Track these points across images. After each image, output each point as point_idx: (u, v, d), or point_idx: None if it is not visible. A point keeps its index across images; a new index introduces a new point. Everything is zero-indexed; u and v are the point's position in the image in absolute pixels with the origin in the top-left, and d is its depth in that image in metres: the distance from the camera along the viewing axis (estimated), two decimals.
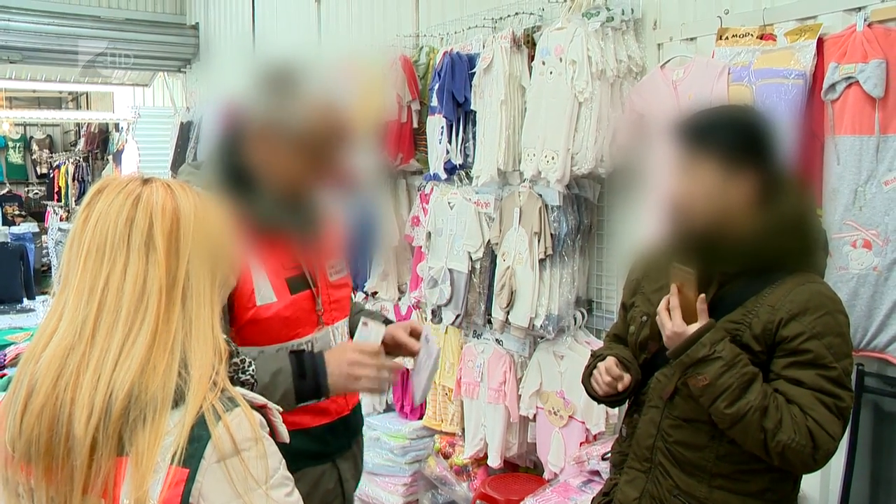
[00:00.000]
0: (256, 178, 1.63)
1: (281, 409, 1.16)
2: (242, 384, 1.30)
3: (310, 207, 1.73)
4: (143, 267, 1.07)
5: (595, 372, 1.73)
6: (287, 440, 1.15)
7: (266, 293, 1.61)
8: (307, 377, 1.57)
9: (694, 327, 1.54)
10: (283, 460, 1.11)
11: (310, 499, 1.68)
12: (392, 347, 1.74)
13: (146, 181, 1.13)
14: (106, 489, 1.01)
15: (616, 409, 2.92)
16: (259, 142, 1.62)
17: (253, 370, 1.49)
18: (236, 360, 1.33)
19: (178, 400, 1.04)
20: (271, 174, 1.63)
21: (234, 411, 1.05)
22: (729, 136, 1.56)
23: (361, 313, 1.93)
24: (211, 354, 1.08)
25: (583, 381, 1.86)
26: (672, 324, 1.57)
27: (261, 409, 1.12)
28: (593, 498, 1.90)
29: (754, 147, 1.56)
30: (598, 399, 1.81)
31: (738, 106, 1.75)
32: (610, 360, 1.71)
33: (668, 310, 1.59)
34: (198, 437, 1.02)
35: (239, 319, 1.60)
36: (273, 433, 1.13)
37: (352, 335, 1.80)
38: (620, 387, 1.68)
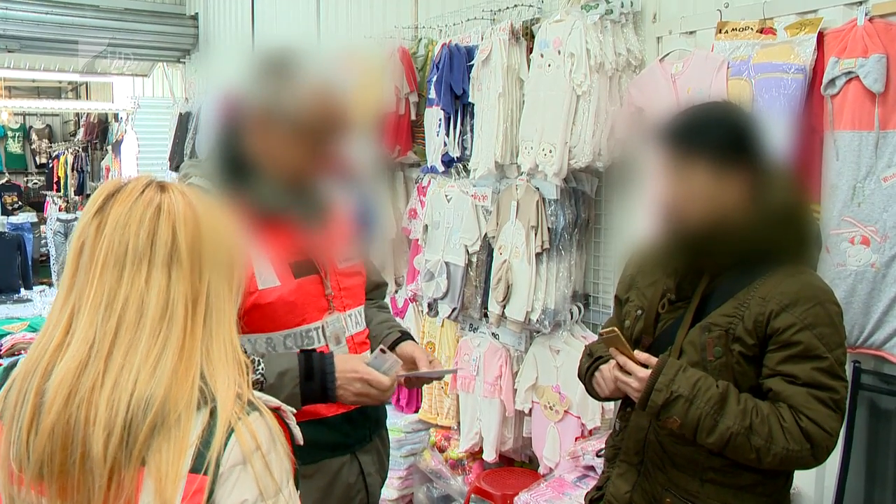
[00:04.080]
0: (256, 165, 1.63)
1: (294, 410, 1.15)
2: (252, 384, 1.29)
3: (311, 195, 1.72)
4: (166, 282, 1.04)
5: (598, 374, 1.71)
6: (301, 442, 1.14)
7: (268, 277, 1.59)
8: (314, 379, 1.55)
9: (654, 359, 1.55)
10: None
11: (329, 492, 1.66)
12: (408, 364, 1.75)
13: (162, 187, 1.09)
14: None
15: (612, 404, 2.91)
16: (258, 129, 1.62)
17: (262, 369, 1.49)
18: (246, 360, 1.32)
19: (200, 410, 1.01)
20: (270, 161, 1.62)
21: (252, 415, 1.04)
22: (714, 136, 1.55)
23: (386, 325, 1.89)
24: (233, 368, 1.07)
25: (580, 377, 1.85)
26: (635, 379, 1.57)
27: (275, 410, 1.11)
28: (587, 493, 1.89)
29: (740, 145, 1.55)
30: (598, 398, 1.80)
31: (719, 104, 1.72)
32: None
33: (622, 372, 1.60)
34: (217, 444, 1.00)
35: (243, 305, 1.58)
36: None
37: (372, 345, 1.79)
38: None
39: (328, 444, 1.67)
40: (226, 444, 1.00)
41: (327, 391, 1.57)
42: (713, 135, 1.55)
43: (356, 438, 1.75)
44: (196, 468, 0.98)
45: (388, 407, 3.82)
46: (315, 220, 1.71)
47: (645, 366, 1.58)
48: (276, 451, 1.05)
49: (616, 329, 1.60)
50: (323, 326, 1.68)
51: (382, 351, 1.61)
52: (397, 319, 1.98)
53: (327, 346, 1.68)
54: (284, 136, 1.60)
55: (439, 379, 1.79)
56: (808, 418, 1.47)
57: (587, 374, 1.78)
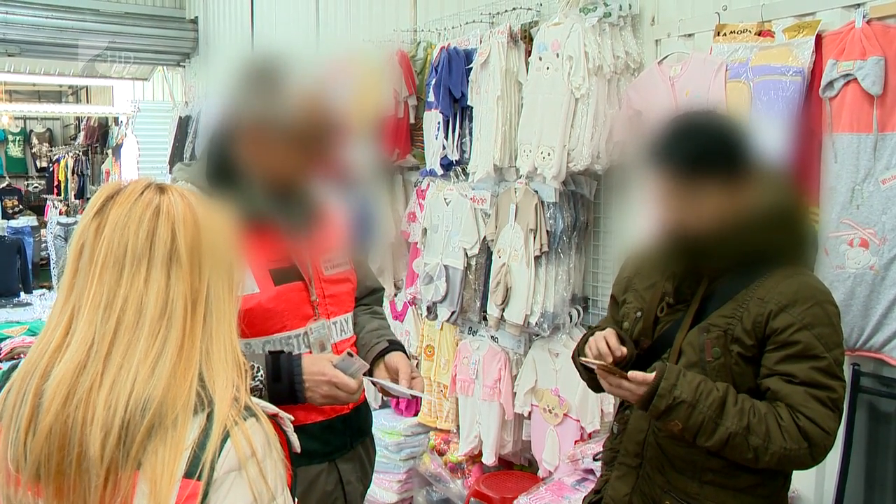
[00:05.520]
0: (240, 170, 1.61)
1: (292, 418, 1.14)
2: (251, 391, 1.28)
3: (298, 201, 1.70)
4: (165, 282, 1.04)
5: (591, 339, 1.70)
6: (298, 450, 1.12)
7: (247, 284, 1.57)
8: (282, 380, 1.54)
9: (650, 377, 1.54)
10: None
11: (306, 499, 1.63)
12: (392, 375, 1.75)
13: (161, 189, 1.09)
14: None
15: (611, 407, 2.91)
16: (244, 134, 1.61)
17: (261, 376, 1.48)
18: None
19: (197, 415, 1.01)
20: (255, 166, 1.61)
21: (249, 420, 1.03)
22: (705, 147, 1.54)
23: (375, 334, 1.86)
24: (232, 369, 1.06)
25: (573, 357, 1.84)
26: (634, 384, 1.55)
27: (272, 417, 1.10)
28: (585, 496, 1.89)
29: (732, 153, 1.54)
30: (584, 374, 1.79)
31: (705, 113, 1.71)
32: (611, 331, 1.69)
33: (618, 386, 1.58)
34: (212, 448, 0.99)
35: None
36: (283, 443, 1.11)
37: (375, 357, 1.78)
38: (619, 354, 1.64)
39: (305, 452, 1.62)
40: (221, 449, 0.99)
41: (296, 393, 1.56)
42: (704, 147, 1.54)
43: (335, 446, 1.73)
44: (190, 473, 0.97)
45: (387, 410, 3.84)
46: (300, 227, 1.69)
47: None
48: (271, 458, 1.04)
49: (604, 363, 1.58)
50: (306, 333, 1.67)
51: (350, 354, 1.61)
52: (390, 327, 1.96)
53: (310, 351, 1.67)
54: (269, 141, 1.58)
55: (404, 397, 1.79)
56: (806, 417, 1.47)
57: (582, 343, 1.77)
